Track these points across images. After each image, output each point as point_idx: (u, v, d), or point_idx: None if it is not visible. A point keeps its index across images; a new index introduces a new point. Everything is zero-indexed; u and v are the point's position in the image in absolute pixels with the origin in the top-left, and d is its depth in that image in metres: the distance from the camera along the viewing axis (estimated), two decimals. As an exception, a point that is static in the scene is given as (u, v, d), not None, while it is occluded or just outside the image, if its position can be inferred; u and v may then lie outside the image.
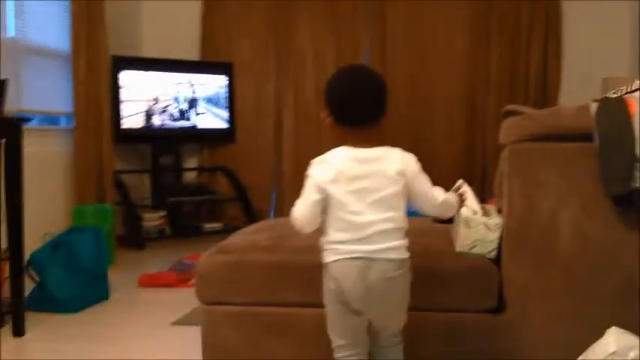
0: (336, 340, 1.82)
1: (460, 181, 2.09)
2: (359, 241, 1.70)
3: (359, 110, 1.77)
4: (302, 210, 1.76)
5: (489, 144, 5.57)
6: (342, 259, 1.71)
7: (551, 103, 5.49)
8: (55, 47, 4.72)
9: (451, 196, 1.92)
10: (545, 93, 5.60)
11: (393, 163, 1.73)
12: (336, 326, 1.81)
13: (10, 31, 4.19)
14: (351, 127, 1.77)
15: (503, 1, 5.61)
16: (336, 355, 1.82)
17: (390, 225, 1.71)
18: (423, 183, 1.78)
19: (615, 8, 5.45)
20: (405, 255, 1.75)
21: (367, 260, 1.69)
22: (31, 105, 4.39)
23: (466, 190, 2.07)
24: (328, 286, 1.78)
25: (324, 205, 1.74)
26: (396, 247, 1.72)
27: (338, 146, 1.79)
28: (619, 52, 5.43)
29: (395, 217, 1.72)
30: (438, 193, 1.83)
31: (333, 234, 1.74)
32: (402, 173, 1.73)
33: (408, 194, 1.76)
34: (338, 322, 1.80)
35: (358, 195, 1.70)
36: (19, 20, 4.27)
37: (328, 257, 1.76)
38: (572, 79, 5.55)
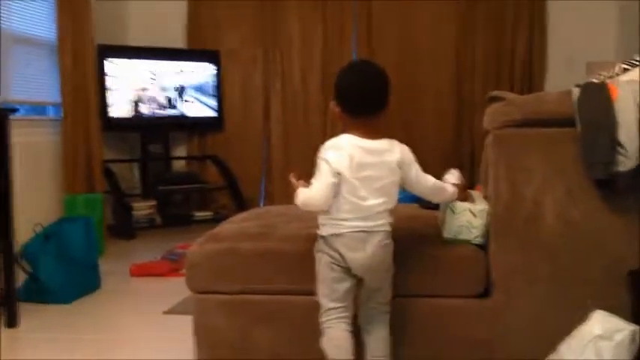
0: (327, 304, 1.95)
1: (452, 171, 2.14)
2: (360, 218, 1.88)
3: (365, 102, 1.92)
4: (320, 191, 1.88)
5: (477, 131, 5.58)
6: (345, 232, 1.89)
7: (538, 89, 5.51)
8: (41, 36, 4.70)
9: (448, 184, 2.08)
10: (531, 79, 5.64)
11: (394, 155, 1.91)
12: (329, 291, 1.95)
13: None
14: (357, 118, 1.91)
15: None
16: (326, 318, 1.95)
17: (384, 207, 1.91)
18: (415, 170, 1.95)
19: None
20: (390, 228, 1.95)
21: (366, 233, 1.89)
22: (17, 95, 4.38)
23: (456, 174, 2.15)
24: (327, 254, 1.93)
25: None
26: (385, 223, 1.93)
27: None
28: (604, 37, 5.46)
29: (389, 201, 1.92)
30: (429, 179, 2.00)
31: (337, 213, 1.90)
32: (400, 164, 1.91)
33: (404, 180, 1.94)
34: (332, 287, 1.94)
35: (365, 182, 1.87)
36: (4, 9, 4.24)
37: (329, 230, 1.92)
38: (558, 65, 5.58)
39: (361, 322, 2.02)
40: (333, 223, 1.90)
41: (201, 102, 5.79)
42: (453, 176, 2.12)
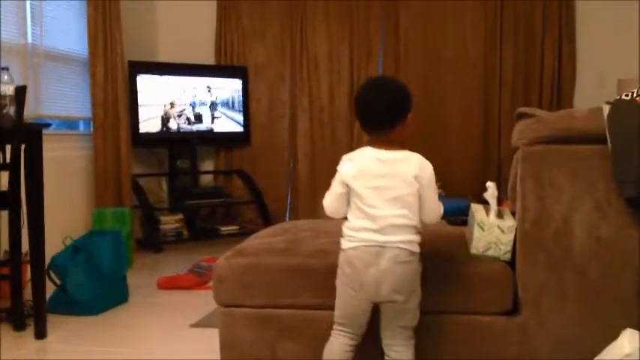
0: (338, 318, 1.98)
1: (489, 184, 2.13)
2: (375, 231, 1.87)
3: (368, 118, 1.95)
4: (329, 201, 1.97)
5: (504, 146, 5.57)
6: (359, 245, 1.89)
7: (566, 104, 5.48)
8: (73, 52, 4.79)
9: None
10: (560, 94, 5.59)
11: (411, 167, 1.89)
12: (341, 306, 1.96)
13: (28, 37, 4.25)
14: (370, 132, 1.94)
15: (516, 2, 5.61)
16: (333, 330, 1.98)
17: (402, 220, 1.87)
18: (431, 193, 1.92)
19: (629, 7, 5.43)
20: (416, 249, 1.90)
21: (380, 247, 1.86)
22: (49, 110, 4.47)
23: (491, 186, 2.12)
24: (343, 269, 1.93)
25: (348, 196, 1.93)
26: (407, 241, 1.88)
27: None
28: (634, 52, 5.41)
29: (408, 214, 1.88)
30: (439, 206, 1.96)
31: (353, 221, 1.92)
32: (417, 177, 1.88)
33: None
34: (344, 302, 1.95)
35: (377, 191, 1.87)
36: (37, 26, 4.34)
37: (348, 244, 1.92)
38: (587, 80, 5.54)
39: (384, 344, 1.98)
40: (351, 234, 1.91)
41: (228, 117, 5.84)
42: None
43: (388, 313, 1.94)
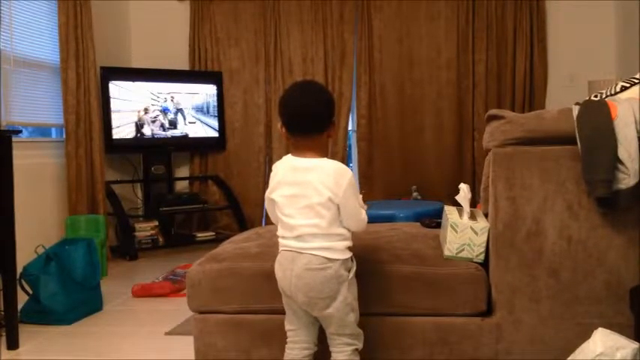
0: (286, 325, 2.01)
1: (462, 186, 2.14)
2: (292, 238, 1.89)
3: (298, 122, 1.92)
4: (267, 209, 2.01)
5: (478, 149, 5.61)
6: (282, 250, 1.93)
7: (538, 107, 5.54)
8: (44, 59, 4.73)
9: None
10: (532, 97, 5.66)
11: (322, 175, 1.86)
12: (285, 311, 2.00)
13: (-1, 44, 4.20)
14: (294, 137, 1.93)
15: (488, 5, 5.67)
16: (287, 341, 2.01)
17: (315, 230, 1.86)
18: (348, 202, 1.87)
19: (599, 9, 5.51)
20: (334, 256, 1.87)
21: (295, 253, 1.88)
22: (21, 117, 4.41)
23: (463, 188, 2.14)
24: (276, 274, 1.96)
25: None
26: (324, 248, 1.86)
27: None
28: (605, 54, 5.49)
29: (320, 223, 1.86)
30: (359, 213, 1.93)
31: (279, 230, 1.95)
32: (327, 186, 1.85)
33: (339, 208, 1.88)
34: (285, 308, 1.99)
35: (291, 200, 1.89)
36: (7, 32, 4.28)
37: (279, 250, 1.96)
38: (559, 83, 5.61)
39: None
40: (279, 240, 1.94)
41: (203, 122, 5.82)
42: None
43: (319, 319, 1.95)
